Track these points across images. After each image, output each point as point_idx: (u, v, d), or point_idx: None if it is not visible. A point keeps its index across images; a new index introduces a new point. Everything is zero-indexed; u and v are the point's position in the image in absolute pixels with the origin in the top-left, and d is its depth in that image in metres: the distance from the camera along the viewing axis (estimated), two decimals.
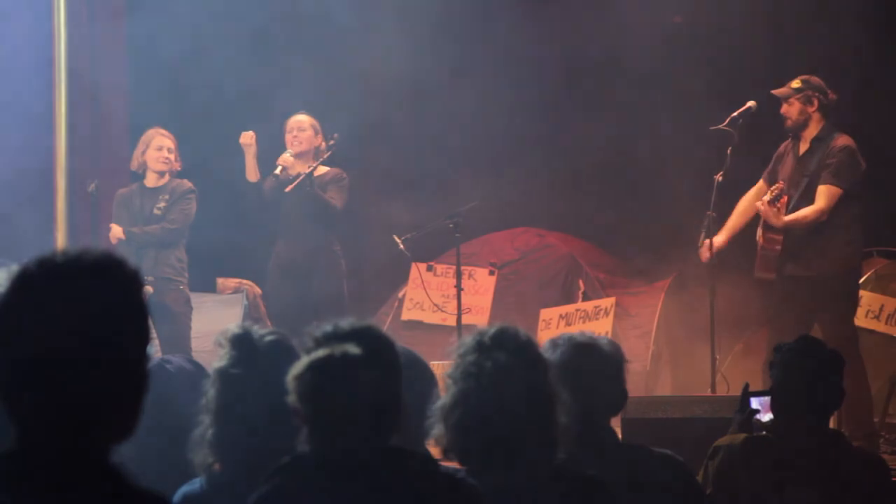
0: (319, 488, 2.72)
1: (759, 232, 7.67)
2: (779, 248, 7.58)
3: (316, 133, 8.55)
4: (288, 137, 8.53)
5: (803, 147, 7.70)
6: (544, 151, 10.74)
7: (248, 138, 8.48)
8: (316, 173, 8.46)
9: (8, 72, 9.73)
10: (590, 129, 10.39)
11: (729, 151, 7.94)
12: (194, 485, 3.14)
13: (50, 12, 9.64)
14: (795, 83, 7.72)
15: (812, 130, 7.68)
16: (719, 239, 7.86)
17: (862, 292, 8.79)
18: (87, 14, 10.02)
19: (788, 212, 7.58)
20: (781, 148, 7.86)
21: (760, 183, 7.92)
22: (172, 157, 8.58)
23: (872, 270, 8.95)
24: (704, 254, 7.85)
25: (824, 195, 7.53)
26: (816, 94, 7.66)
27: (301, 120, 8.58)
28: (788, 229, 7.53)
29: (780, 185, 7.57)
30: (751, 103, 7.97)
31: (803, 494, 4.12)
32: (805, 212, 7.54)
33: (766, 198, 7.53)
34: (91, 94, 10.07)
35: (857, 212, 7.61)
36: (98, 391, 1.96)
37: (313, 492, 2.72)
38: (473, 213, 8.77)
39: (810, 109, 7.66)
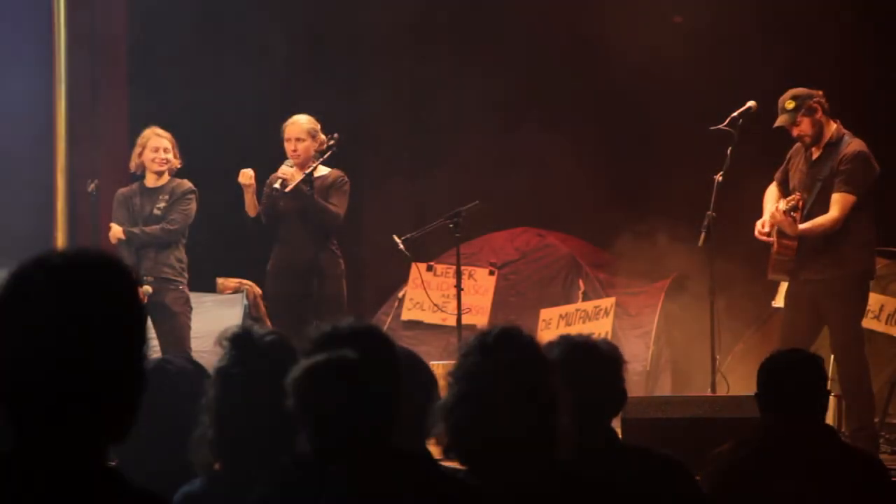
0: (319, 489, 2.72)
1: (774, 237, 7.64)
2: (793, 254, 7.56)
3: (314, 137, 8.44)
4: (287, 147, 8.44)
5: (816, 152, 7.65)
6: (544, 151, 10.74)
7: (246, 178, 8.31)
8: (316, 173, 8.42)
9: (8, 72, 9.73)
10: (590, 129, 10.39)
11: (729, 151, 7.94)
12: (194, 485, 3.14)
13: (49, 11, 9.64)
14: (789, 104, 7.61)
15: (825, 136, 7.63)
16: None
17: None
18: (87, 10, 10.02)
19: (803, 216, 7.55)
20: (793, 150, 7.82)
21: (774, 186, 7.87)
22: (170, 156, 8.52)
23: None
24: (759, 232, 7.69)
25: (839, 203, 7.50)
26: (813, 100, 7.60)
27: (299, 127, 8.42)
28: (803, 237, 7.52)
29: (798, 196, 7.54)
30: (751, 103, 7.96)
31: (800, 494, 4.13)
32: (820, 220, 7.51)
33: (782, 207, 7.50)
34: (91, 93, 10.07)
35: (871, 214, 7.60)
36: (94, 391, 1.96)
37: (313, 493, 2.73)
38: (473, 213, 8.76)
39: (818, 116, 7.59)
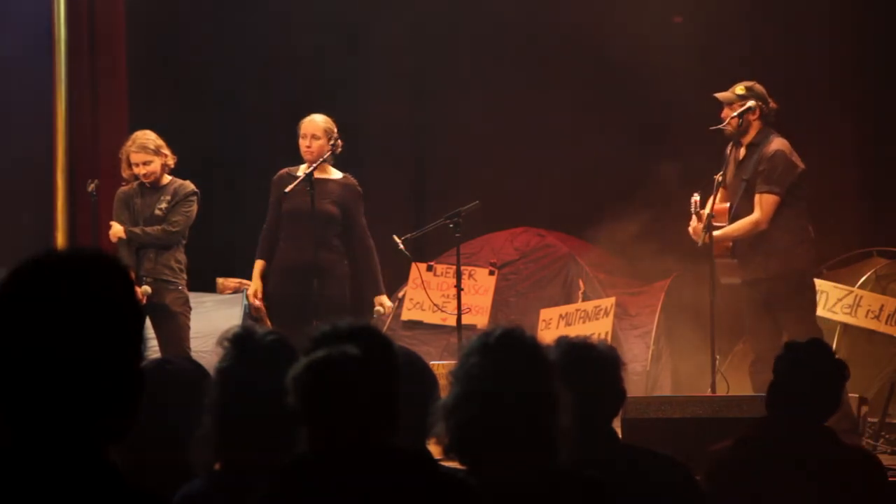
0: (319, 489, 2.72)
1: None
2: (728, 253, 7.70)
3: (329, 138, 8.38)
4: (301, 143, 8.38)
5: (741, 152, 7.80)
6: (545, 152, 10.73)
7: (257, 305, 8.53)
8: (323, 175, 8.37)
9: (7, 71, 9.73)
10: (590, 129, 10.39)
11: (728, 151, 7.95)
12: (194, 485, 3.14)
13: (49, 11, 9.64)
14: (739, 89, 7.77)
15: (749, 136, 7.76)
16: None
17: (862, 292, 8.80)
18: (87, 10, 10.02)
19: (730, 216, 7.64)
20: (728, 150, 7.91)
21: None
22: (154, 165, 8.34)
23: (872, 270, 8.95)
24: (697, 231, 7.82)
25: (760, 204, 7.66)
26: (760, 103, 7.71)
27: (315, 125, 8.36)
28: (720, 242, 7.63)
29: (695, 202, 7.63)
30: (751, 103, 7.97)
31: (798, 493, 4.13)
32: (738, 224, 7.64)
33: (693, 223, 7.66)
34: (91, 93, 10.06)
35: (801, 211, 7.69)
36: (92, 391, 1.96)
37: (314, 492, 2.73)
38: (473, 213, 8.76)
39: (751, 117, 7.72)
